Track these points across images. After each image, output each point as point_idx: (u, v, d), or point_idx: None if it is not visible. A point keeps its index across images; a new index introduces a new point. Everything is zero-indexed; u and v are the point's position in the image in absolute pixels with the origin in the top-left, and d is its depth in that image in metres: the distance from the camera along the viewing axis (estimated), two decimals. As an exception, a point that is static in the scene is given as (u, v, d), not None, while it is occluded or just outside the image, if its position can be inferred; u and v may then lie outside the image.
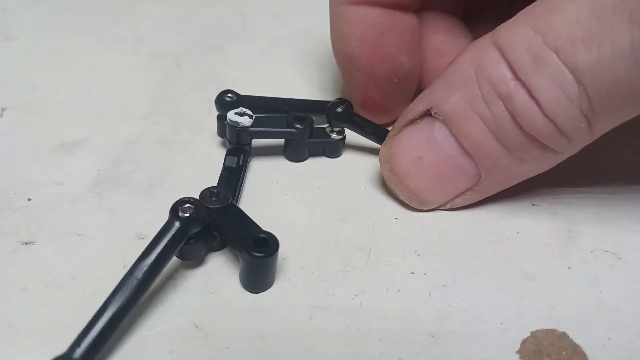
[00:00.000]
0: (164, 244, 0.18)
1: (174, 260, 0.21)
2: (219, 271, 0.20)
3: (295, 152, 0.25)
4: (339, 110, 0.25)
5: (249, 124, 0.23)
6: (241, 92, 0.26)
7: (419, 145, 0.22)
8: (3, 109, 0.27)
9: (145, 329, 0.19)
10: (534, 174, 0.21)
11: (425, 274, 0.20)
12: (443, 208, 0.23)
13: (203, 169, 0.25)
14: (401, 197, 0.23)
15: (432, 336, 0.19)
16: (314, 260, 0.21)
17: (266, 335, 0.19)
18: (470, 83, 0.20)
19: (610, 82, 0.17)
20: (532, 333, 0.19)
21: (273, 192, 0.24)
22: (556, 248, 0.22)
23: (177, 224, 0.18)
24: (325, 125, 0.26)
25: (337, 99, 0.26)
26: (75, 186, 0.23)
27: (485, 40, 0.20)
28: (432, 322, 0.19)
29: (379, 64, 0.25)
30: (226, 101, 0.25)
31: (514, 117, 0.19)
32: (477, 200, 0.23)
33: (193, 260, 0.20)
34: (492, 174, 0.21)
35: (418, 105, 0.22)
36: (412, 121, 0.22)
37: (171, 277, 0.20)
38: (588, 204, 0.23)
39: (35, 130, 0.26)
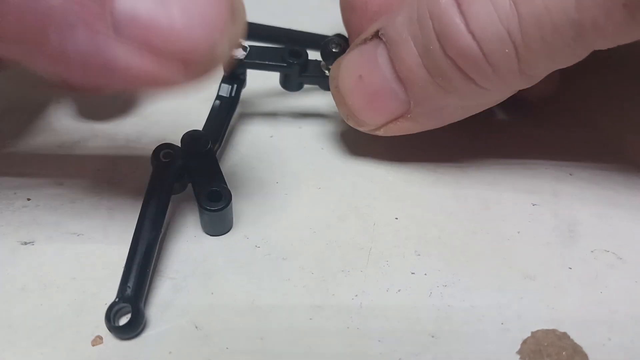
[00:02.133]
0: (163, 184, 0.21)
1: (174, 260, 0.21)
2: (219, 271, 0.20)
3: (290, 83, 0.25)
4: (334, 49, 0.24)
5: (242, 57, 0.24)
6: (246, 91, 0.26)
7: (362, 65, 0.21)
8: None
9: (145, 329, 0.19)
10: (468, 113, 0.21)
11: (425, 274, 0.20)
12: (377, 133, 0.23)
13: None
14: (341, 115, 0.23)
15: (432, 336, 0.19)
16: (314, 260, 0.21)
17: (266, 335, 0.18)
18: (412, 7, 0.19)
19: (544, 5, 0.17)
20: (533, 333, 0.19)
21: (273, 192, 0.24)
22: (556, 248, 0.22)
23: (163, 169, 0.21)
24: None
25: (335, 35, 0.25)
26: (75, 186, 0.23)
27: None
28: (432, 322, 0.19)
29: (371, 1, 0.23)
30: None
31: (439, 38, 0.19)
32: (414, 131, 0.22)
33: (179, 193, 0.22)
34: (420, 103, 0.21)
35: (372, 26, 0.21)
36: (365, 41, 0.21)
37: (171, 277, 0.20)
38: (588, 203, 0.23)
39: (35, 130, 0.26)
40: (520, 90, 0.21)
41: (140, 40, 0.14)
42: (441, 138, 0.27)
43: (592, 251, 0.22)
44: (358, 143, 0.26)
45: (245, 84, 0.25)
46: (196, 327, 0.19)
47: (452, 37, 0.18)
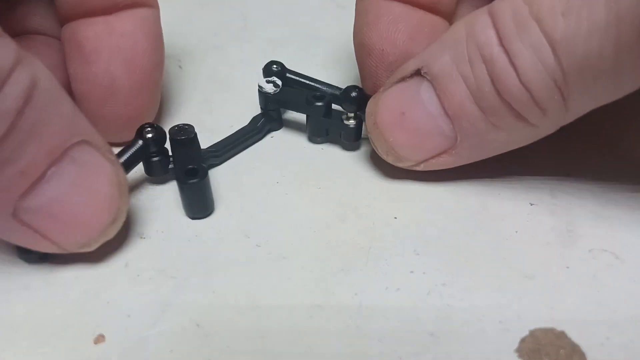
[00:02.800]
0: (128, 155, 0.22)
1: (174, 257, 0.21)
2: (220, 270, 0.20)
3: (313, 129, 0.26)
4: (353, 95, 0.25)
5: (272, 92, 0.25)
6: (247, 92, 0.27)
7: (404, 101, 0.22)
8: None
9: (146, 328, 0.19)
10: (511, 147, 0.22)
11: (424, 273, 0.21)
12: (417, 168, 0.23)
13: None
14: (380, 151, 0.23)
15: (432, 335, 0.19)
16: (314, 260, 0.21)
17: (266, 334, 0.19)
18: (460, 45, 0.20)
19: (583, 56, 0.18)
20: (531, 332, 0.19)
21: (273, 192, 0.24)
22: (555, 248, 0.22)
23: (140, 142, 0.22)
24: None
25: (351, 85, 0.26)
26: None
27: (483, 8, 0.20)
28: (432, 322, 0.19)
29: (390, 50, 0.24)
30: (272, 70, 0.26)
31: (493, 81, 0.20)
32: (452, 165, 0.23)
33: (154, 176, 0.23)
34: (468, 138, 0.21)
35: (411, 64, 0.22)
36: (403, 79, 0.22)
37: (172, 275, 0.20)
38: (587, 203, 0.23)
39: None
40: None
41: (35, 229, 0.18)
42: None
43: (590, 251, 0.22)
44: (358, 144, 0.26)
45: (280, 126, 0.27)
46: (197, 326, 0.19)
47: (506, 83, 0.19)
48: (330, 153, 0.26)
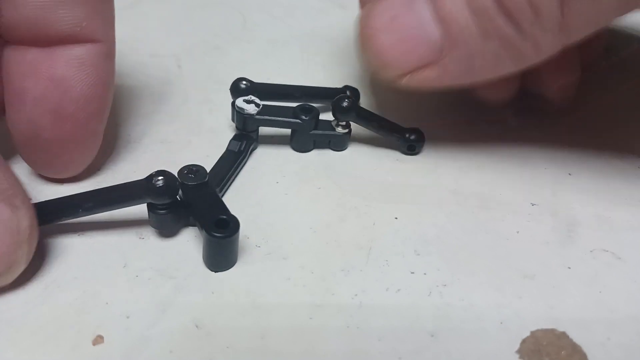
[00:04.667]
0: (123, 191, 0.20)
1: (174, 258, 0.21)
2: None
3: (300, 142, 0.25)
4: (344, 105, 0.25)
5: (254, 112, 0.24)
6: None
7: (397, 4, 0.21)
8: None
9: (145, 328, 0.19)
10: (498, 71, 0.21)
11: (425, 274, 0.21)
12: (401, 82, 0.22)
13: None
14: (366, 58, 0.22)
15: (432, 335, 0.19)
16: (314, 260, 0.21)
17: (266, 334, 0.19)
18: None
19: None
20: (532, 332, 0.19)
21: (273, 192, 0.24)
22: (555, 247, 0.22)
23: (144, 185, 0.20)
24: (332, 119, 0.26)
25: (344, 86, 0.26)
26: (75, 186, 0.23)
27: None
28: (432, 322, 0.19)
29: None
30: (240, 88, 0.26)
31: None
32: (437, 83, 0.22)
33: (165, 230, 0.21)
34: (456, 46, 0.21)
35: None
36: None
37: (171, 276, 0.20)
38: (587, 203, 0.23)
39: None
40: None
41: None
42: (441, 138, 0.27)
43: (591, 251, 0.22)
44: (358, 143, 0.26)
45: (257, 144, 0.26)
46: (197, 326, 0.19)
47: None
48: (331, 153, 0.26)
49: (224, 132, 0.26)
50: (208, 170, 0.22)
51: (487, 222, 0.23)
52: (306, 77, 0.31)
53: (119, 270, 0.20)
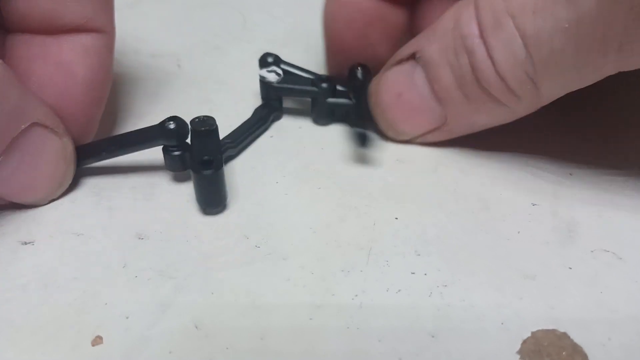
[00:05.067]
0: (140, 134, 0.23)
1: (173, 258, 0.21)
2: (220, 271, 0.20)
3: (319, 112, 0.27)
4: (358, 73, 0.25)
5: (274, 80, 0.26)
6: (247, 92, 0.27)
7: (401, 83, 0.24)
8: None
9: (145, 329, 0.19)
10: (496, 124, 0.24)
11: (425, 274, 0.20)
12: (415, 141, 0.26)
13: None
14: (381, 127, 0.26)
15: (432, 336, 0.19)
16: (314, 260, 0.21)
17: (266, 335, 0.19)
18: (447, 35, 0.22)
19: (550, 52, 0.19)
20: (533, 333, 0.19)
21: (273, 192, 0.24)
22: (556, 248, 0.22)
23: (158, 128, 0.22)
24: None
25: (358, 64, 0.26)
26: (75, 186, 0.23)
27: None
28: (432, 322, 0.19)
29: (356, 52, 0.26)
30: (268, 62, 0.27)
31: (474, 71, 0.22)
32: (446, 138, 0.25)
33: (178, 172, 0.23)
34: (455, 118, 0.24)
35: (407, 48, 0.24)
36: (400, 61, 0.24)
37: (171, 276, 0.20)
38: (588, 203, 0.23)
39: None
40: None
41: None
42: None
43: (591, 251, 0.22)
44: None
45: (281, 114, 0.28)
46: (196, 327, 0.19)
47: (484, 74, 0.21)
48: (331, 153, 0.26)
49: (224, 132, 0.26)
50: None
51: (487, 222, 0.23)
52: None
53: (119, 271, 0.20)
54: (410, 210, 0.23)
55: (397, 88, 0.24)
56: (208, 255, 0.21)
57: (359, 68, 0.25)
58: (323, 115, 0.27)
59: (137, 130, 0.23)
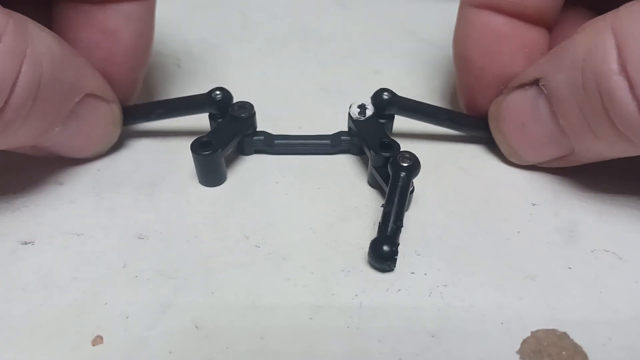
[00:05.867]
0: (188, 101, 0.25)
1: (173, 258, 0.21)
2: (220, 271, 0.20)
3: (371, 174, 0.24)
4: (404, 164, 0.22)
5: (354, 117, 0.24)
6: (247, 92, 0.26)
7: (524, 112, 0.23)
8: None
9: (146, 328, 0.19)
10: (626, 155, 0.21)
11: (425, 274, 0.20)
12: (539, 166, 0.25)
13: (203, 169, 0.25)
14: (503, 151, 0.25)
15: (433, 336, 0.19)
16: (314, 260, 0.21)
17: (266, 335, 0.18)
18: (576, 68, 0.20)
19: None
20: (533, 333, 0.19)
21: (273, 192, 0.24)
22: (557, 248, 0.22)
23: (205, 97, 0.24)
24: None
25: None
26: (75, 186, 0.23)
27: (605, 22, 0.19)
28: (433, 322, 0.19)
29: (489, 69, 0.24)
30: (383, 99, 0.25)
31: (608, 111, 0.19)
32: (574, 165, 0.23)
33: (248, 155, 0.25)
34: (584, 152, 0.22)
35: (531, 72, 0.23)
36: (522, 86, 0.23)
37: (171, 276, 0.20)
38: (589, 203, 0.23)
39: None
40: None
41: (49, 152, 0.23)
42: (441, 139, 0.27)
43: (592, 251, 0.22)
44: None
45: (356, 153, 0.26)
46: (197, 327, 0.19)
47: (622, 117, 0.18)
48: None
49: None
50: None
51: (487, 222, 0.23)
52: (306, 77, 0.31)
53: (119, 271, 0.20)
54: (410, 210, 0.23)
55: (520, 117, 0.23)
56: (208, 255, 0.21)
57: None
58: (371, 178, 0.24)
59: (185, 96, 0.25)
